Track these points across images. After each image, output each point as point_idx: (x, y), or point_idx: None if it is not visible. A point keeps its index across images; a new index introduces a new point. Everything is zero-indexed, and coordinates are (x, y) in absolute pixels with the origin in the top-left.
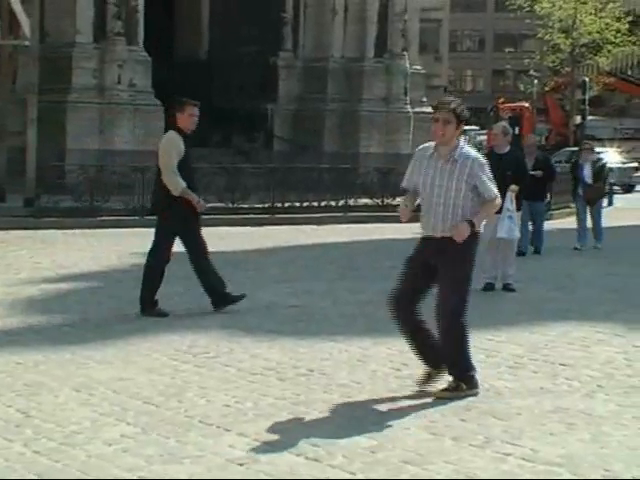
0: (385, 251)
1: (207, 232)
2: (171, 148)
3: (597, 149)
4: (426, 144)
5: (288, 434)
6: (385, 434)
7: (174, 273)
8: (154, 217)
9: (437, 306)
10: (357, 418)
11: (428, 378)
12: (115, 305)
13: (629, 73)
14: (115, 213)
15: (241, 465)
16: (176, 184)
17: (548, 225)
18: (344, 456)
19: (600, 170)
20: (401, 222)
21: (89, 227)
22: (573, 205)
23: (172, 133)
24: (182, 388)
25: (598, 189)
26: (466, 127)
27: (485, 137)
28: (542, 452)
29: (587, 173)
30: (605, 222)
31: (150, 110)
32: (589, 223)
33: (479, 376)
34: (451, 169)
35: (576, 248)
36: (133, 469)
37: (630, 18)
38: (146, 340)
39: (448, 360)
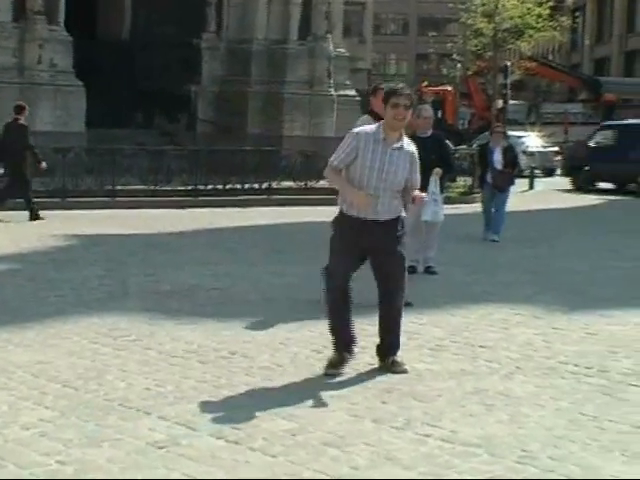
0: (308, 234)
1: (130, 214)
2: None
3: (518, 133)
4: (366, 127)
5: (209, 417)
6: (306, 416)
7: (95, 256)
8: (76, 199)
9: (387, 288)
10: (278, 401)
11: (342, 361)
12: (35, 288)
13: (550, 58)
14: (35, 195)
15: (161, 448)
16: None
17: (471, 209)
18: (265, 439)
19: (511, 156)
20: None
21: (8, 209)
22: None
23: (365, 116)
24: (102, 371)
25: (508, 176)
26: None
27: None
28: (461, 433)
29: (497, 158)
30: (526, 206)
31: (71, 91)
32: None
33: (401, 358)
34: (398, 155)
35: (487, 239)
36: (51, 453)
37: (551, 3)
38: (66, 323)
39: (397, 338)
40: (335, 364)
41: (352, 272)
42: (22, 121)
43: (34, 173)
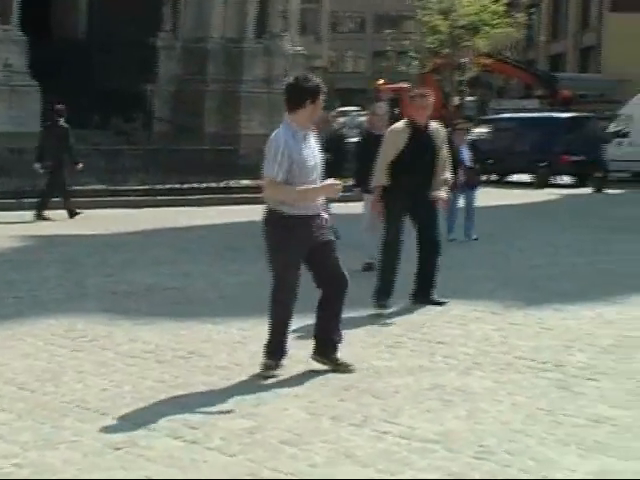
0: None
1: (87, 214)
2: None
3: (475, 129)
4: (280, 131)
5: (166, 417)
6: (264, 415)
7: (53, 256)
8: (32, 200)
9: (334, 280)
10: (236, 400)
11: (277, 367)
12: None
13: (506, 54)
14: None
15: (119, 449)
16: None
17: None
18: (222, 438)
19: (476, 152)
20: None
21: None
22: None
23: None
24: (59, 373)
25: (477, 172)
26: (346, 108)
27: (365, 118)
28: (419, 429)
29: (466, 156)
30: (481, 202)
31: (26, 91)
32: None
33: (359, 356)
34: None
35: (454, 239)
36: (8, 456)
37: (506, 0)
38: (23, 324)
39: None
40: (273, 367)
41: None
42: (62, 123)
43: (69, 173)
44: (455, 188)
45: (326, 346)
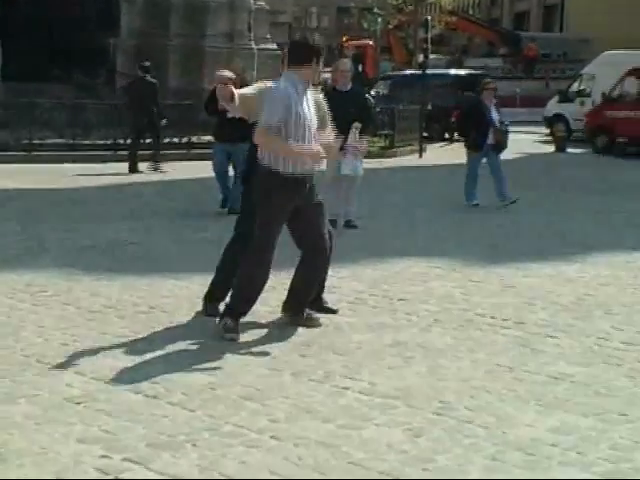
0: None
1: (49, 169)
2: None
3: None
4: (286, 83)
5: (127, 372)
6: (224, 370)
7: (14, 210)
8: None
9: (314, 239)
10: (196, 355)
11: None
12: None
13: (470, 12)
14: None
15: (78, 404)
16: None
17: (392, 163)
18: (183, 393)
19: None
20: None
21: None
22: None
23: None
24: (18, 327)
25: (505, 133)
26: None
27: (329, 75)
28: (380, 385)
29: (495, 116)
30: (447, 160)
31: None
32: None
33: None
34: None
35: (476, 204)
36: None
37: None
38: None
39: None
40: (234, 329)
41: None
42: (150, 78)
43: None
44: (479, 149)
45: (295, 304)
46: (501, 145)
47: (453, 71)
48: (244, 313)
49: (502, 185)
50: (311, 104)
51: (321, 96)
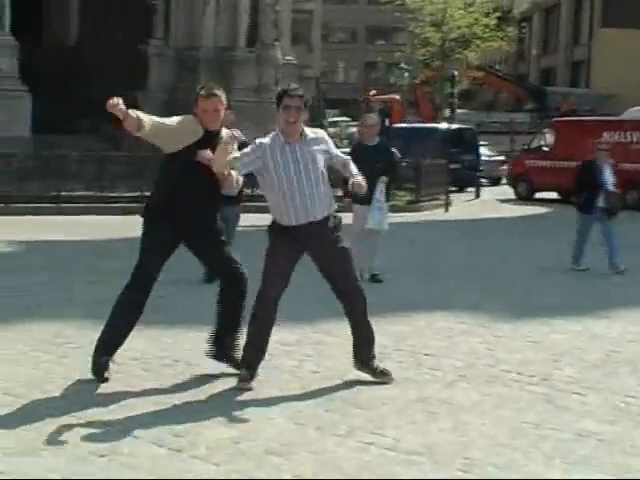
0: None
1: (75, 220)
2: None
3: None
4: (264, 139)
5: (151, 425)
6: (248, 424)
7: (41, 260)
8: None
9: (346, 292)
10: (221, 408)
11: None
12: None
13: (497, 68)
14: None
15: (102, 457)
16: None
17: (417, 217)
18: (207, 447)
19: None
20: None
21: None
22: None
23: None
24: (44, 379)
25: (621, 197)
26: (337, 118)
27: (356, 129)
28: (404, 441)
29: (609, 179)
30: (473, 215)
31: (16, 96)
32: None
33: (344, 366)
34: (308, 146)
35: (580, 269)
36: None
37: (498, 14)
38: (7, 330)
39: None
40: (248, 379)
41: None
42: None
43: None
44: (587, 212)
45: (361, 353)
46: (612, 209)
47: (442, 125)
48: (255, 361)
49: (612, 254)
50: (305, 150)
51: (321, 131)
